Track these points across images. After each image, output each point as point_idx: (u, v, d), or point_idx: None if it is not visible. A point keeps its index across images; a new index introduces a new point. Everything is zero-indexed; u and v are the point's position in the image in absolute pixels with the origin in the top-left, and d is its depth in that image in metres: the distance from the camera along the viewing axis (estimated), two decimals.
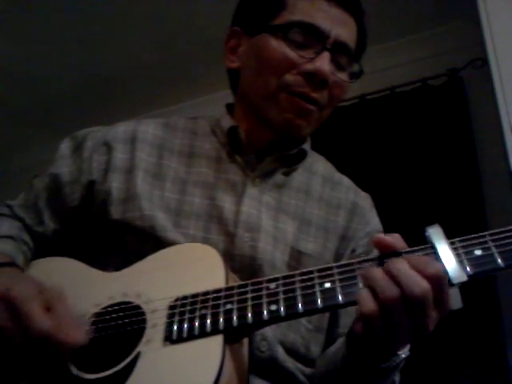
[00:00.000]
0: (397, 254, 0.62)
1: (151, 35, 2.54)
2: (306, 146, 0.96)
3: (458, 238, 0.61)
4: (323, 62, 0.84)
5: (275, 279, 0.66)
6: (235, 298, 0.65)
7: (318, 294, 0.62)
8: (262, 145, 0.93)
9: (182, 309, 0.66)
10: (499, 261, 0.58)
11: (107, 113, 2.81)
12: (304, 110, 0.87)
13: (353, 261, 0.64)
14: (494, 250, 0.59)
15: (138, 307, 0.70)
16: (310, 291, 0.62)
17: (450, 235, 0.62)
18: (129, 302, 0.72)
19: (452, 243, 0.61)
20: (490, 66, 1.67)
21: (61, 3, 2.31)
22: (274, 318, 0.62)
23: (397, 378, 0.79)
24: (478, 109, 2.23)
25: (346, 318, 0.90)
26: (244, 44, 0.93)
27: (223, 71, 0.99)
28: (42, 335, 0.62)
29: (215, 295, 0.66)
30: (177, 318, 0.66)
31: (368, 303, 0.58)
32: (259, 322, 0.63)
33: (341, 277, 0.63)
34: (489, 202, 2.09)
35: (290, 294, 0.63)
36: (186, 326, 0.64)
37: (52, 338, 0.62)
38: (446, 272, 0.58)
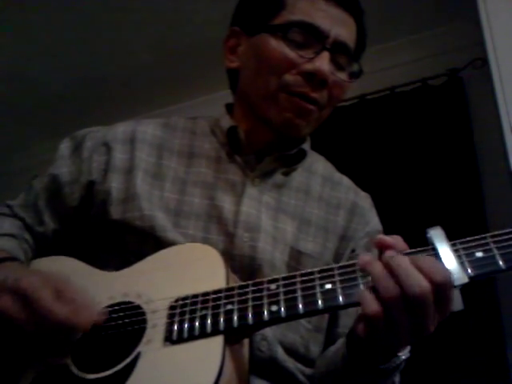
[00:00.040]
0: None
1: (151, 35, 2.54)
2: (306, 146, 0.96)
3: (459, 240, 0.61)
4: (323, 62, 0.84)
5: (276, 280, 0.66)
6: (236, 299, 0.65)
7: (319, 295, 0.62)
8: (261, 145, 0.93)
9: (183, 309, 0.66)
10: (500, 263, 0.58)
11: (107, 113, 2.81)
12: (304, 109, 0.87)
13: (353, 262, 0.64)
14: (495, 251, 0.59)
15: (138, 307, 0.70)
16: (310, 292, 0.62)
17: (449, 235, 0.62)
18: (129, 302, 0.72)
19: (453, 245, 0.61)
20: (490, 66, 1.67)
21: (61, 3, 2.31)
22: (275, 318, 0.62)
23: (397, 379, 0.79)
24: (478, 109, 2.23)
25: (346, 318, 0.90)
26: (243, 44, 0.93)
27: (223, 71, 0.99)
28: (58, 322, 0.65)
29: (216, 295, 0.66)
30: (177, 319, 0.66)
31: (371, 304, 0.58)
32: (260, 323, 0.63)
33: (341, 278, 0.62)
34: (489, 201, 2.09)
35: (291, 295, 0.63)
36: (186, 326, 0.64)
37: (68, 322, 0.65)
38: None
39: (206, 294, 0.67)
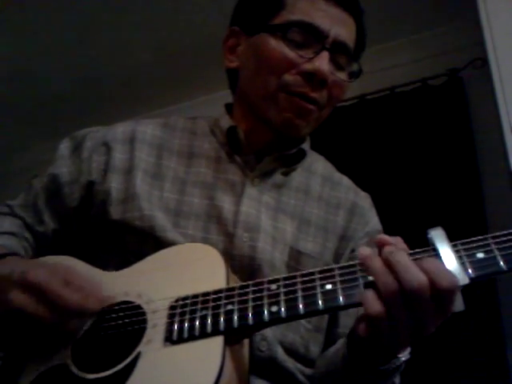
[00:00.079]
0: None
1: (151, 35, 2.54)
2: (306, 146, 0.96)
3: (460, 241, 0.61)
4: (322, 62, 0.84)
5: (276, 280, 0.66)
6: (236, 299, 0.65)
7: (319, 296, 0.62)
8: (261, 145, 0.93)
9: (183, 309, 0.66)
10: (501, 264, 0.58)
11: (107, 113, 2.81)
12: (303, 109, 0.87)
13: (354, 262, 0.64)
14: (496, 252, 0.58)
15: (138, 307, 0.70)
16: (311, 292, 0.62)
17: (449, 235, 0.62)
18: (130, 302, 0.72)
19: (454, 245, 0.61)
20: (490, 66, 1.67)
21: (61, 3, 2.31)
22: (275, 319, 0.62)
23: (397, 380, 0.79)
24: (478, 109, 2.23)
25: (346, 318, 0.90)
26: (243, 44, 0.93)
27: (223, 71, 0.99)
28: (74, 308, 0.67)
29: (216, 296, 0.66)
30: (177, 319, 0.66)
31: (374, 304, 0.58)
32: (260, 323, 0.62)
33: (342, 278, 0.62)
34: (489, 201, 2.09)
35: (291, 296, 0.63)
36: (186, 326, 0.64)
37: (82, 308, 0.68)
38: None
39: (206, 294, 0.67)
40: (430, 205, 2.13)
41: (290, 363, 0.83)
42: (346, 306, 0.61)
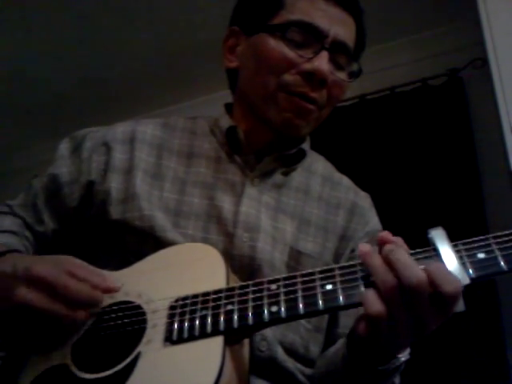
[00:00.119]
0: None
1: (151, 35, 2.54)
2: (305, 146, 0.96)
3: (461, 241, 0.61)
4: (322, 62, 0.84)
5: (276, 280, 0.66)
6: (236, 299, 0.65)
7: (319, 296, 0.61)
8: (261, 145, 0.93)
9: (183, 309, 0.66)
10: (502, 264, 0.58)
11: (107, 113, 2.81)
12: (303, 109, 0.87)
13: (354, 262, 0.64)
14: (497, 253, 0.58)
15: (138, 307, 0.70)
16: (311, 293, 0.62)
17: (450, 235, 0.62)
18: (129, 302, 0.72)
19: (455, 245, 0.60)
20: (490, 66, 1.67)
21: (61, 3, 2.31)
22: (275, 319, 0.62)
23: (397, 380, 0.79)
24: (478, 109, 2.23)
25: (346, 318, 0.90)
26: (242, 43, 0.93)
27: (222, 71, 0.99)
28: (82, 299, 0.68)
29: (216, 296, 0.66)
30: (177, 319, 0.66)
31: (374, 304, 0.57)
32: (260, 323, 0.62)
33: (342, 278, 0.62)
34: (489, 201, 2.09)
35: (291, 296, 0.63)
36: (186, 326, 0.64)
37: (91, 297, 0.69)
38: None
39: (206, 294, 0.67)
40: (430, 205, 2.13)
41: (290, 363, 0.83)
42: (347, 306, 0.61)
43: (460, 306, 0.58)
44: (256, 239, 0.84)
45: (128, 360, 0.64)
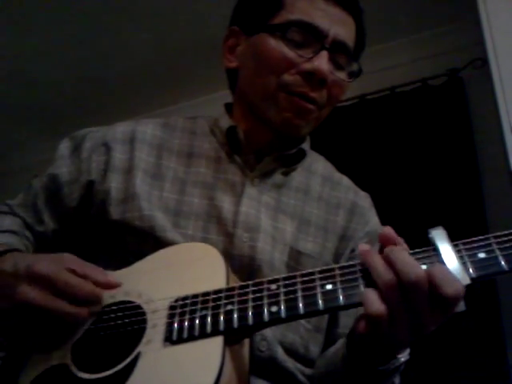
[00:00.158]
0: None
1: (151, 35, 2.54)
2: (305, 146, 0.96)
3: (462, 241, 0.61)
4: (322, 61, 0.84)
5: (276, 280, 0.65)
6: (236, 299, 0.65)
7: (319, 296, 0.61)
8: (260, 145, 0.93)
9: (183, 309, 0.66)
10: (503, 264, 0.58)
11: (107, 113, 2.82)
12: (303, 109, 0.87)
13: (354, 262, 0.64)
14: (497, 252, 0.58)
15: (138, 307, 0.70)
16: (311, 293, 0.62)
17: (450, 235, 0.62)
18: (129, 302, 0.72)
19: (455, 245, 0.60)
20: (490, 66, 1.67)
21: (61, 3, 2.31)
22: (275, 319, 0.62)
23: (397, 380, 0.79)
24: (477, 109, 2.23)
25: (346, 318, 0.90)
26: (242, 43, 0.93)
27: (222, 71, 0.99)
28: (85, 295, 0.69)
29: (216, 296, 0.66)
30: (177, 319, 0.66)
31: (374, 304, 0.57)
32: (260, 323, 0.62)
33: (342, 278, 0.62)
34: (489, 201, 2.09)
35: (291, 296, 0.62)
36: (186, 326, 0.64)
37: (93, 294, 0.70)
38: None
39: (206, 293, 0.67)
40: (430, 205, 2.13)
41: (290, 363, 0.83)
42: (347, 306, 0.61)
43: (460, 306, 0.58)
44: (256, 239, 0.84)
45: (128, 360, 0.64)
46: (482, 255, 0.59)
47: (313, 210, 0.93)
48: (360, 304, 0.59)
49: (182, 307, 0.67)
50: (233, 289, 0.66)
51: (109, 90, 2.91)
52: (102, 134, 0.94)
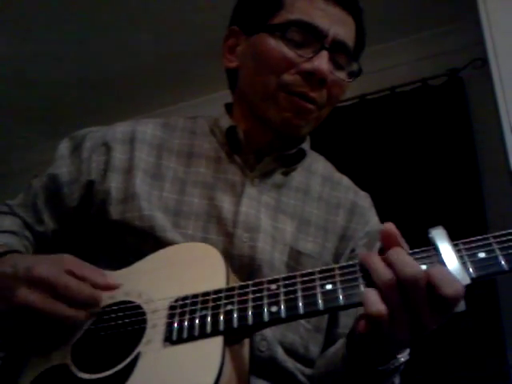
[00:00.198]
0: None
1: (151, 35, 2.54)
2: (305, 146, 0.96)
3: (462, 240, 0.61)
4: (321, 61, 0.84)
5: (276, 280, 0.65)
6: (236, 299, 0.65)
7: (319, 296, 0.61)
8: (260, 145, 0.93)
9: (183, 309, 0.66)
10: (503, 263, 0.57)
11: (107, 113, 2.82)
12: (303, 109, 0.86)
13: (354, 262, 0.64)
14: (498, 252, 0.58)
15: (138, 307, 0.70)
16: (310, 292, 0.62)
17: (449, 235, 0.62)
18: (129, 302, 0.71)
19: (455, 245, 0.60)
20: (490, 66, 1.67)
21: (61, 3, 2.31)
22: (275, 319, 0.62)
23: (397, 380, 0.79)
24: (477, 109, 2.23)
25: (346, 318, 0.90)
26: (242, 43, 0.93)
27: (223, 71, 0.99)
28: (84, 298, 0.68)
29: (216, 296, 0.66)
30: (177, 319, 0.65)
31: (374, 304, 0.57)
32: (259, 324, 0.62)
33: (342, 278, 0.62)
34: (489, 201, 2.09)
35: (291, 296, 0.62)
36: (186, 326, 0.64)
37: (92, 297, 0.70)
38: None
39: (206, 293, 0.67)
40: (430, 205, 2.13)
41: (290, 363, 0.83)
42: (347, 306, 0.61)
43: (460, 306, 0.58)
44: (256, 239, 0.84)
45: (128, 360, 0.64)
46: (482, 255, 0.59)
47: (313, 209, 0.93)
48: (360, 304, 0.59)
49: (182, 307, 0.67)
50: (233, 289, 0.66)
51: (109, 90, 2.91)
52: (101, 133, 0.94)
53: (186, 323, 0.64)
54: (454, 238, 0.61)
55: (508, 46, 1.66)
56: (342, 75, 0.89)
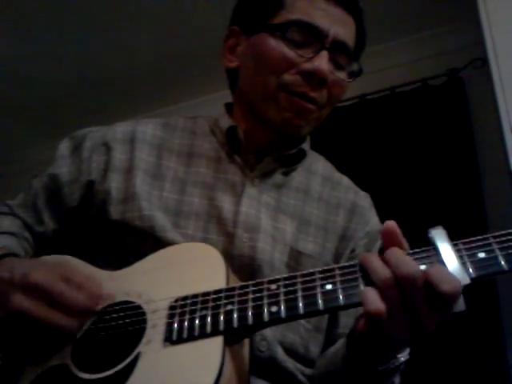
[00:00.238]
0: None
1: (151, 35, 2.54)
2: (306, 146, 0.96)
3: (461, 240, 0.61)
4: (322, 61, 0.84)
5: (276, 280, 0.65)
6: (236, 299, 0.65)
7: (319, 296, 0.61)
8: (261, 145, 0.93)
9: (183, 309, 0.66)
10: (503, 263, 0.57)
11: (107, 113, 2.81)
12: (303, 109, 0.86)
13: (354, 262, 0.64)
14: (497, 252, 0.58)
15: (138, 307, 0.70)
16: (311, 292, 0.62)
17: (449, 235, 0.62)
18: (130, 302, 0.71)
19: (455, 245, 0.60)
20: (490, 66, 1.67)
21: (61, 3, 2.31)
22: (275, 319, 0.62)
23: (397, 380, 0.79)
24: (477, 109, 2.23)
25: (346, 318, 0.90)
26: (242, 43, 0.93)
27: (223, 71, 0.99)
28: (78, 308, 0.67)
29: (216, 296, 0.66)
30: (177, 319, 0.66)
31: (373, 302, 0.58)
32: (259, 323, 0.62)
33: (342, 278, 0.62)
34: (489, 201, 2.09)
35: (291, 296, 0.62)
36: (186, 326, 0.64)
37: (87, 307, 0.68)
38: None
39: (206, 293, 0.67)
40: (430, 205, 2.13)
41: (290, 363, 0.83)
42: (347, 306, 0.61)
43: (460, 306, 0.58)
44: (256, 239, 0.84)
45: (128, 360, 0.64)
46: (481, 255, 0.59)
47: (313, 210, 0.93)
48: (360, 304, 0.59)
49: (182, 307, 0.67)
50: (233, 289, 0.66)
51: (109, 89, 2.91)
52: (102, 133, 0.94)
53: (186, 323, 0.64)
54: (453, 237, 0.61)
55: (508, 46, 1.66)
56: (342, 75, 0.89)
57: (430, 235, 0.62)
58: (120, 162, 0.89)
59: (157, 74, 2.80)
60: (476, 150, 2.18)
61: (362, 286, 0.61)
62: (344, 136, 2.40)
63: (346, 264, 0.64)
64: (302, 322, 0.85)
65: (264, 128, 0.91)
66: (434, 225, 0.63)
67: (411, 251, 0.62)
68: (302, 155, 0.95)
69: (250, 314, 0.62)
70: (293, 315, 0.62)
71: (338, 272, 0.63)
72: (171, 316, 0.66)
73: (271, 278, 0.66)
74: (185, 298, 0.68)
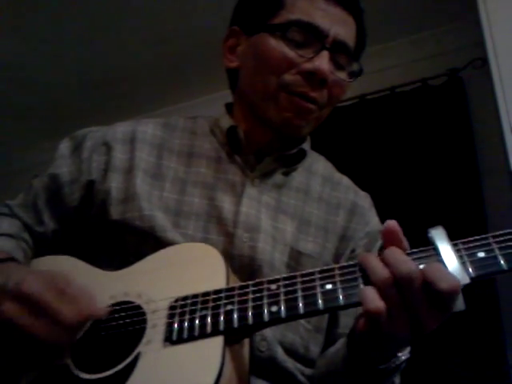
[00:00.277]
0: None
1: (151, 35, 2.54)
2: (306, 146, 0.96)
3: (461, 240, 0.61)
4: (322, 61, 0.84)
5: (276, 280, 0.65)
6: (236, 299, 0.65)
7: (319, 296, 0.61)
8: (261, 145, 0.93)
9: (183, 309, 0.66)
10: (502, 263, 0.58)
11: (107, 113, 2.81)
12: (303, 109, 0.86)
13: (354, 262, 0.64)
14: (497, 252, 0.58)
15: (138, 307, 0.70)
16: (310, 292, 0.62)
17: (449, 235, 0.62)
18: (130, 302, 0.72)
19: (455, 245, 0.60)
20: (490, 66, 1.67)
21: (61, 3, 2.31)
22: (275, 319, 0.62)
23: (397, 379, 0.79)
24: (478, 109, 2.23)
25: (346, 318, 0.90)
26: (243, 43, 0.93)
27: (223, 71, 0.99)
28: (67, 323, 0.64)
29: (216, 296, 0.66)
30: (177, 319, 0.66)
31: (373, 301, 0.58)
32: (260, 323, 0.62)
33: (342, 278, 0.62)
34: (489, 202, 2.09)
35: (291, 296, 0.63)
36: (186, 326, 0.64)
37: (76, 321, 0.65)
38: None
39: (206, 293, 0.67)
40: (429, 205, 2.13)
41: (290, 363, 0.83)
42: (346, 306, 0.61)
43: (460, 305, 0.58)
44: (256, 239, 0.84)
45: (128, 360, 0.64)
46: (481, 254, 0.59)
47: (313, 210, 0.93)
48: (360, 304, 0.59)
49: (182, 307, 0.67)
50: (233, 289, 0.66)
51: (108, 89, 2.90)
52: (102, 133, 0.94)
53: (186, 323, 0.64)
54: (453, 237, 0.62)
55: (508, 46, 1.66)
56: (342, 75, 0.89)
57: (429, 235, 0.62)
58: (120, 161, 0.89)
59: (157, 74, 2.80)
60: (476, 150, 2.18)
61: (361, 286, 0.61)
62: (344, 136, 2.40)
63: (346, 264, 0.65)
64: (302, 322, 0.85)
65: (264, 128, 0.91)
66: (433, 225, 0.63)
67: (411, 251, 0.62)
68: (302, 155, 0.95)
69: (250, 313, 0.63)
70: (293, 315, 0.62)
71: (337, 272, 0.63)
72: (171, 316, 0.66)
73: (271, 278, 0.66)
74: (185, 298, 0.68)
